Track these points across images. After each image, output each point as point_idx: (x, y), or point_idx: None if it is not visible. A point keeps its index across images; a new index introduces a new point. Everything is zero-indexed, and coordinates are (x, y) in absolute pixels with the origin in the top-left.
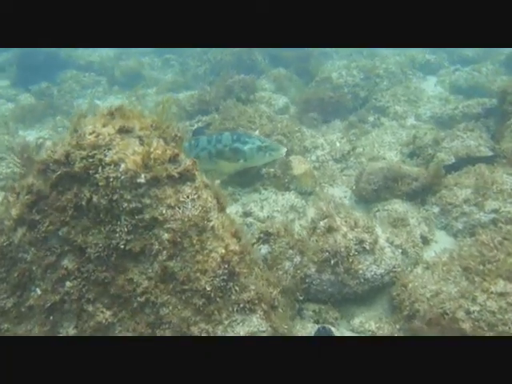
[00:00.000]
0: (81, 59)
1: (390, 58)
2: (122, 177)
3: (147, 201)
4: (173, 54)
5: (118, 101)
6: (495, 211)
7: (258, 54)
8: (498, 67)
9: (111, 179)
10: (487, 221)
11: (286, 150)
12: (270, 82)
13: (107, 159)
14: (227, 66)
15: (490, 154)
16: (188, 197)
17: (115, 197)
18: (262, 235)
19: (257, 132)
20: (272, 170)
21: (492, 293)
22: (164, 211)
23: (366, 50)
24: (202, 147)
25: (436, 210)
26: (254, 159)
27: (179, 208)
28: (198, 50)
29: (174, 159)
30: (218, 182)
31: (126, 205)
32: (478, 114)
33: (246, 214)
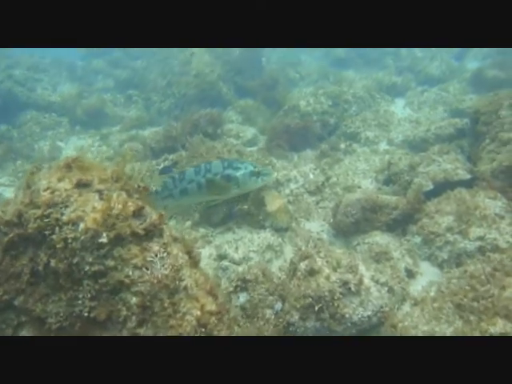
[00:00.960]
0: (41, 99)
1: (357, 82)
2: (82, 237)
3: (111, 262)
4: (135, 90)
5: (80, 141)
6: (480, 238)
7: (223, 86)
8: (464, 85)
9: (70, 240)
10: (473, 249)
11: (275, 174)
12: (236, 113)
13: (64, 218)
14: (192, 100)
15: (469, 176)
16: (156, 255)
17: (75, 260)
18: (239, 283)
19: None
20: (245, 206)
21: (492, 335)
22: (130, 273)
23: (332, 76)
24: (190, 179)
25: (418, 239)
26: (247, 185)
27: (147, 268)
28: (162, 83)
29: (138, 213)
30: (188, 223)
31: (87, 268)
32: (450, 135)
33: (221, 257)
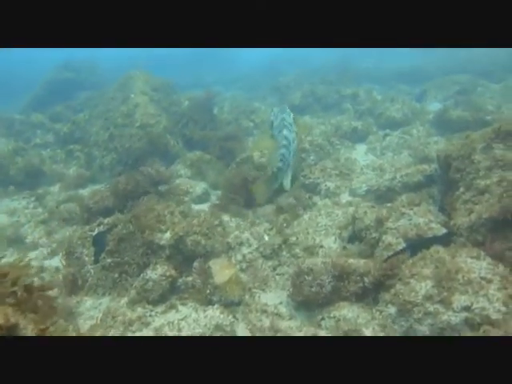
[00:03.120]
0: None
1: (315, 128)
2: None
3: None
4: (77, 144)
5: (13, 203)
6: (467, 309)
7: (170, 138)
8: (428, 128)
9: None
10: (459, 322)
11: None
12: (186, 167)
13: None
14: (137, 154)
15: (444, 231)
16: None
17: None
18: None
19: (167, 234)
20: (190, 278)
21: None
22: None
23: None
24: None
25: (392, 310)
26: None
27: None
28: (104, 137)
29: None
30: (124, 300)
31: None
32: (419, 183)
33: None
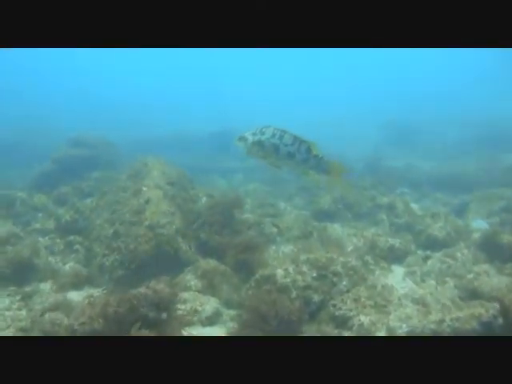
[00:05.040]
0: None
1: (346, 240)
2: None
3: None
4: (79, 236)
5: None
6: None
7: (183, 242)
8: (474, 251)
9: None
10: None
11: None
12: (196, 277)
13: None
14: (142, 259)
15: None
16: None
17: None
18: None
19: None
20: None
21: None
22: None
23: (316, 232)
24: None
25: None
26: None
27: None
28: (108, 233)
29: None
30: None
31: None
32: (473, 331)
33: None
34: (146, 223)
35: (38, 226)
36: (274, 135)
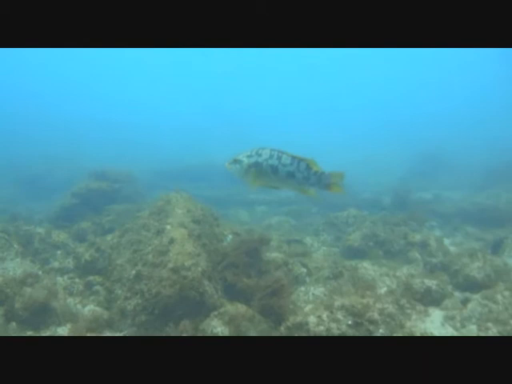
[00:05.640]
0: None
1: (378, 281)
2: None
3: None
4: (99, 276)
5: None
6: None
7: (208, 285)
8: None
9: None
10: None
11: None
12: (223, 323)
13: None
14: (166, 303)
15: None
16: None
17: None
18: None
19: None
20: None
21: None
22: None
23: (347, 272)
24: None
25: None
26: None
27: None
28: (130, 274)
29: None
30: None
31: None
32: None
33: None
34: (170, 265)
35: (56, 264)
36: (271, 156)
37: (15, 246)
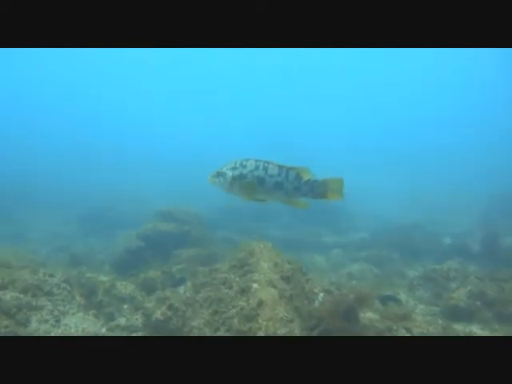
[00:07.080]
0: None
1: None
2: None
3: None
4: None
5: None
6: None
7: None
8: None
9: None
10: None
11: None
12: None
13: None
14: None
15: None
16: None
17: None
18: None
19: None
20: None
21: None
22: None
23: None
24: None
25: None
26: None
27: None
28: None
29: None
30: None
31: None
32: None
33: None
34: (261, 333)
35: (123, 321)
36: (257, 167)
37: (77, 298)
